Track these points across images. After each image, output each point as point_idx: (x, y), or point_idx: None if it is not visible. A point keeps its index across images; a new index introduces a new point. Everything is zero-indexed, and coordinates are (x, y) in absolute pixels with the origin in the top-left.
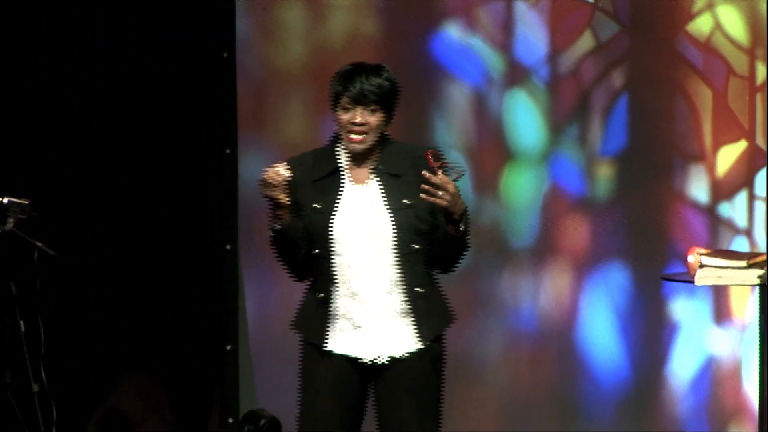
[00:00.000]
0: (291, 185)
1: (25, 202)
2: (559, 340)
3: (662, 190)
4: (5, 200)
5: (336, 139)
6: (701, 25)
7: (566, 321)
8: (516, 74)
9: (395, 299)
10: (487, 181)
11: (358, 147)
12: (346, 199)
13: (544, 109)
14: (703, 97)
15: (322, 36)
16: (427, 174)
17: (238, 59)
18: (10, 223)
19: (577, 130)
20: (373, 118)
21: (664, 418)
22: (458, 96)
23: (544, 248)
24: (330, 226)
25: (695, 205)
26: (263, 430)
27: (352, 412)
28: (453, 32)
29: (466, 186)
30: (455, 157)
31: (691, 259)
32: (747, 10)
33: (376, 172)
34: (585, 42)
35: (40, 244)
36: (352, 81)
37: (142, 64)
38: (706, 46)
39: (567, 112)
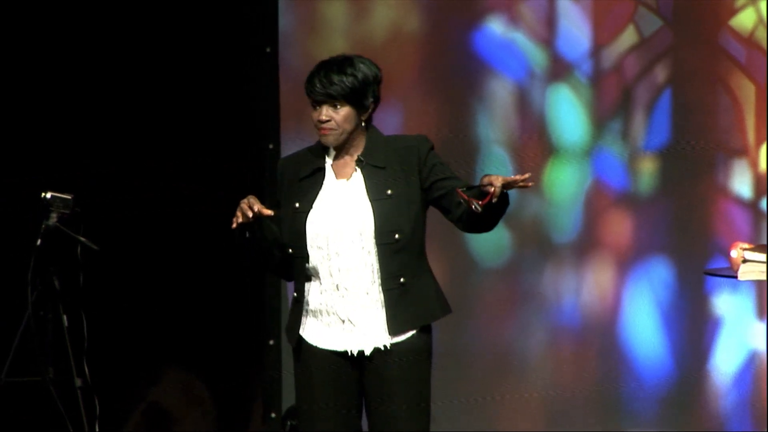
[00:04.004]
0: (280, 186)
1: (68, 197)
2: (602, 335)
3: (705, 185)
4: (48, 195)
5: None
6: (744, 20)
7: (609, 316)
8: (559, 69)
9: (376, 290)
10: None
11: (329, 140)
12: (325, 195)
13: (587, 104)
14: (746, 91)
15: (365, 31)
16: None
17: (281, 54)
18: (53, 218)
19: (619, 125)
20: (338, 114)
21: (707, 414)
22: (501, 91)
23: (586, 243)
24: (305, 224)
25: (738, 200)
26: None
27: (352, 407)
28: (496, 27)
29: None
30: (497, 152)
31: (734, 254)
32: None
33: (360, 164)
34: (628, 37)
35: (83, 238)
36: (311, 81)
37: (184, 60)
38: (749, 40)
39: (610, 107)
